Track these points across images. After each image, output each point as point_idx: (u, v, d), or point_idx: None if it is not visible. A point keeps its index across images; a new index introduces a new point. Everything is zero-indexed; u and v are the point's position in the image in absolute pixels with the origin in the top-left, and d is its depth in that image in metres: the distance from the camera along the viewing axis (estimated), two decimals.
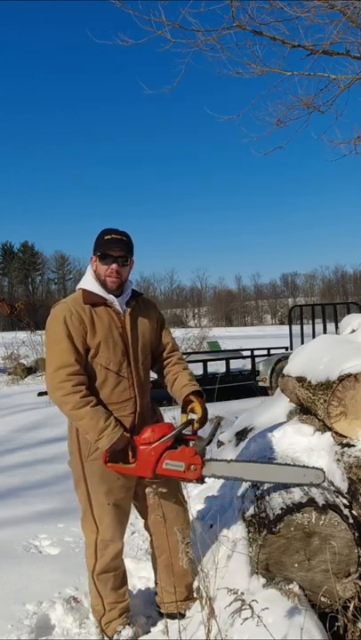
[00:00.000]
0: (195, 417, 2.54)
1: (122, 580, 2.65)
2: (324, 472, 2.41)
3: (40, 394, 10.56)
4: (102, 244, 2.49)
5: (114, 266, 2.48)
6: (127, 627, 2.58)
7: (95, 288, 2.51)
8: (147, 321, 2.64)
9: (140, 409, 2.56)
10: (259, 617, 1.73)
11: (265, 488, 2.56)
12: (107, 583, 2.60)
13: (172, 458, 2.42)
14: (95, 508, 2.54)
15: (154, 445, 2.43)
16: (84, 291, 2.51)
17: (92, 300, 2.48)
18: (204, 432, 2.56)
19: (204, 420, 2.54)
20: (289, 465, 2.48)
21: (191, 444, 2.49)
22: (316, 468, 2.42)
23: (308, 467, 2.47)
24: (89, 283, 2.53)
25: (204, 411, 2.55)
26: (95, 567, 2.59)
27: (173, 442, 2.45)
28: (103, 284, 2.50)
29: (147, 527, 2.75)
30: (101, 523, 2.55)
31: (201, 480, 2.46)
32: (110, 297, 2.51)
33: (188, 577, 2.69)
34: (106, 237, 2.49)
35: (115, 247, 2.47)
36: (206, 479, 2.49)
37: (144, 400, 2.60)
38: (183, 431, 2.51)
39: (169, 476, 2.47)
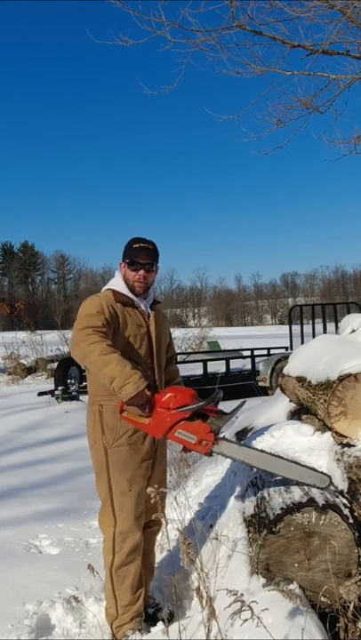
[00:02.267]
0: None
1: (139, 580, 2.66)
2: (330, 478, 2.41)
3: (40, 394, 10.55)
4: (131, 252, 2.71)
5: (141, 272, 2.70)
6: (137, 632, 2.57)
7: (124, 290, 2.72)
8: (164, 326, 2.89)
9: None
10: (259, 618, 1.73)
11: (266, 485, 2.56)
12: (125, 579, 2.60)
13: (186, 429, 2.43)
14: (116, 495, 2.59)
15: (171, 412, 2.43)
16: (114, 291, 2.70)
17: (122, 299, 2.68)
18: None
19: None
20: (298, 464, 2.48)
21: (209, 420, 2.47)
22: (324, 474, 2.42)
23: (316, 470, 2.46)
24: (118, 285, 2.73)
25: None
26: (114, 561, 2.60)
27: (194, 414, 2.44)
28: (131, 288, 2.71)
29: None
30: (121, 512, 2.59)
31: (209, 454, 2.49)
32: (138, 299, 2.73)
33: (152, 575, 2.93)
34: (135, 246, 2.72)
35: (143, 255, 2.70)
36: (214, 454, 2.51)
37: None
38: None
39: (178, 442, 2.49)
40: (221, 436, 2.51)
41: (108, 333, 2.53)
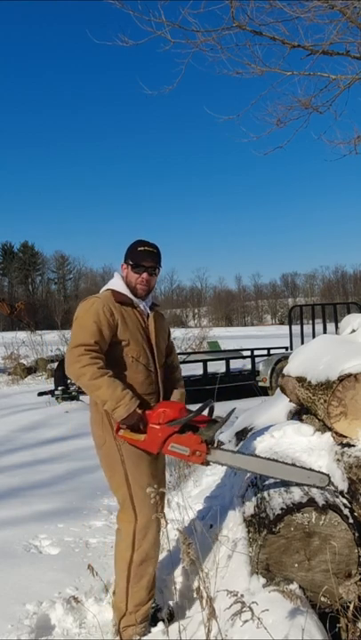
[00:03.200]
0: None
1: (154, 580, 2.66)
2: (329, 477, 2.41)
3: (40, 394, 10.55)
4: (136, 255, 2.71)
5: (145, 275, 2.71)
6: (142, 638, 2.56)
7: (124, 290, 2.72)
8: (164, 327, 2.90)
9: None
10: (259, 619, 1.73)
11: (265, 485, 2.56)
12: (142, 578, 2.59)
13: (177, 442, 2.50)
14: (135, 490, 2.59)
15: (162, 427, 2.50)
16: (114, 291, 2.70)
17: (121, 299, 2.69)
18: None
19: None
20: (295, 465, 2.49)
21: (199, 431, 2.53)
22: (322, 473, 2.43)
23: (313, 470, 2.47)
24: (118, 286, 2.73)
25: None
26: (133, 558, 2.58)
27: (184, 426, 2.51)
28: (133, 290, 2.72)
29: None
30: (142, 507, 2.58)
31: (206, 464, 2.53)
32: (137, 300, 2.73)
33: None
34: (139, 249, 2.72)
35: (147, 258, 2.71)
36: (211, 463, 2.55)
37: (163, 395, 2.78)
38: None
39: (174, 456, 2.56)
40: (215, 444, 2.55)
41: (103, 347, 2.56)
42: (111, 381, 2.49)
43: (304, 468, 2.48)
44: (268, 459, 2.55)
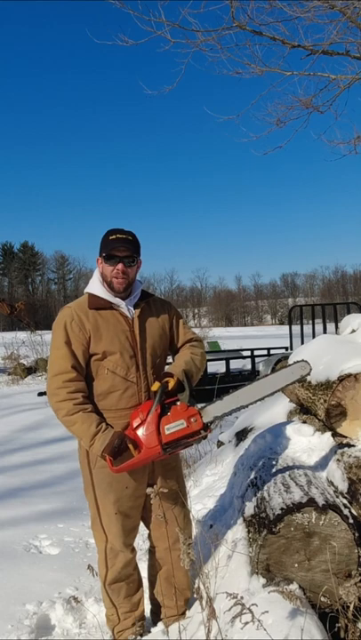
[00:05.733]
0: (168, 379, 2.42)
1: (136, 587, 2.61)
2: (308, 362, 2.49)
3: (40, 394, 10.57)
4: (107, 245, 2.42)
5: (119, 266, 2.41)
6: (138, 637, 2.55)
7: (101, 292, 2.46)
8: (158, 322, 2.56)
9: None
10: (259, 621, 1.72)
11: (266, 485, 2.56)
12: (119, 592, 2.56)
13: (169, 421, 2.34)
14: (103, 516, 2.50)
15: (148, 420, 2.34)
16: (90, 295, 2.47)
17: (97, 304, 2.44)
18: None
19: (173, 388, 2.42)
20: (274, 373, 2.56)
21: (178, 403, 2.39)
22: (300, 361, 2.51)
23: (291, 365, 2.55)
24: (95, 286, 2.49)
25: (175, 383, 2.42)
26: (107, 577, 2.54)
27: (162, 409, 2.36)
28: (110, 285, 2.44)
29: (150, 537, 2.69)
30: (110, 531, 2.50)
31: (205, 428, 2.37)
32: (116, 300, 2.46)
33: (188, 592, 2.63)
34: (110, 238, 2.43)
35: (120, 247, 2.40)
36: (212, 426, 2.41)
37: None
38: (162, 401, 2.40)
39: (177, 439, 2.35)
40: (199, 406, 2.41)
41: (80, 369, 2.40)
42: (86, 417, 2.34)
43: (284, 369, 2.55)
44: (253, 382, 2.51)
